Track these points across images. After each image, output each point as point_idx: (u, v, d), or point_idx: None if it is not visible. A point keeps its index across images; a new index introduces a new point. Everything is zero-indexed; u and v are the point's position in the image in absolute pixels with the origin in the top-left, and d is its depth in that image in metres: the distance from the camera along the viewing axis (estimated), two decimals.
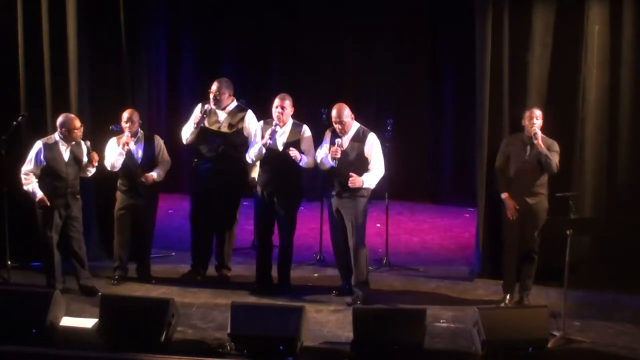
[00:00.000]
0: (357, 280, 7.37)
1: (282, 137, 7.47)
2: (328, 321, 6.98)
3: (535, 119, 7.21)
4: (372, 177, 7.30)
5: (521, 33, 7.86)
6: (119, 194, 7.80)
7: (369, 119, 9.19)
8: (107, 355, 6.24)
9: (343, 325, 6.79)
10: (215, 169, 7.76)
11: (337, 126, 7.30)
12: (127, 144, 7.58)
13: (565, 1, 7.84)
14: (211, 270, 8.09)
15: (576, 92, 7.85)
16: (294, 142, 7.45)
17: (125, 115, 7.63)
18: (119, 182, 7.78)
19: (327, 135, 7.49)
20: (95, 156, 7.50)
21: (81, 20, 8.13)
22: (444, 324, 6.96)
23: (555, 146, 7.28)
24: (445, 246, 9.57)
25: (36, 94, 8.17)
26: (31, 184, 7.34)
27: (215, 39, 11.74)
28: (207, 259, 8.07)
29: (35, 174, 7.35)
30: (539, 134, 7.17)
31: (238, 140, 7.81)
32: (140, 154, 7.72)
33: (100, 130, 7.93)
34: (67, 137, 7.36)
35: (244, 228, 8.89)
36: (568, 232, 6.61)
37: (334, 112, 7.31)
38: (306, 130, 7.54)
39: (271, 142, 7.40)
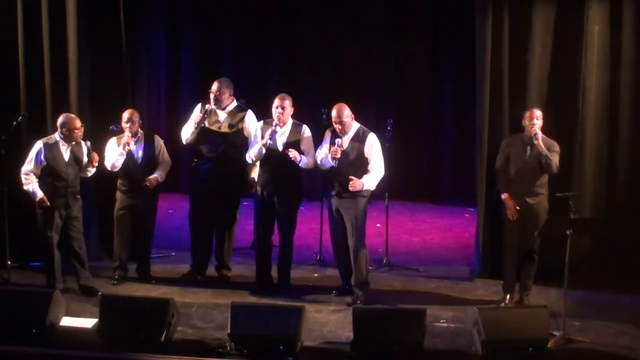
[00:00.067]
0: (357, 280, 7.37)
1: (282, 137, 7.47)
2: (328, 321, 6.98)
3: (536, 120, 7.20)
4: (372, 179, 7.30)
5: (521, 33, 7.86)
6: (119, 194, 7.80)
7: (369, 119, 9.18)
8: (107, 355, 6.24)
9: (343, 325, 6.79)
10: (215, 169, 7.76)
11: (337, 126, 7.30)
12: (128, 144, 7.58)
13: (565, 1, 7.84)
14: (211, 270, 8.09)
15: (576, 92, 7.85)
16: (294, 142, 7.45)
17: (125, 115, 7.63)
18: (119, 182, 7.78)
19: (327, 135, 7.49)
20: (96, 156, 7.50)
21: (81, 20, 8.13)
22: (444, 324, 6.95)
23: (556, 146, 7.27)
24: (445, 246, 9.57)
25: (36, 94, 8.16)
26: (31, 183, 7.34)
27: (215, 39, 11.75)
28: (206, 259, 8.07)
29: (35, 174, 7.35)
30: (540, 134, 7.17)
31: (238, 140, 7.81)
32: (140, 154, 7.72)
33: (100, 130, 7.94)
34: (68, 137, 7.36)
35: (244, 228, 8.89)
36: (568, 232, 6.61)
37: (334, 112, 7.31)
38: (306, 130, 7.54)
39: (271, 142, 7.40)
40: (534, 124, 7.18)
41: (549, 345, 6.34)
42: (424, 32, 11.55)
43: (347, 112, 7.29)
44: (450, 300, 7.62)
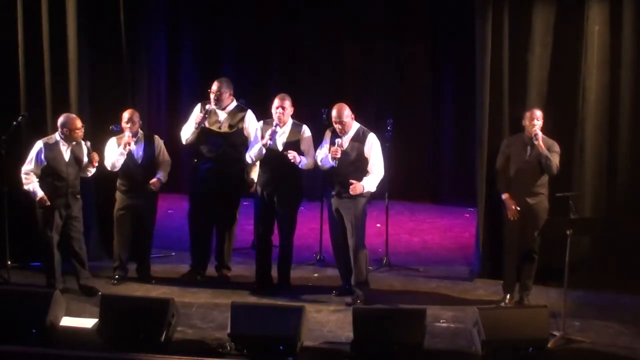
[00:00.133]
0: (357, 280, 7.37)
1: (282, 137, 7.47)
2: (328, 321, 6.98)
3: (536, 120, 7.20)
4: (372, 181, 7.30)
5: (521, 33, 7.86)
6: (118, 194, 7.80)
7: (369, 119, 9.18)
8: (107, 355, 6.24)
9: (343, 325, 6.79)
10: (215, 169, 7.76)
11: (337, 126, 7.30)
12: (129, 144, 7.58)
13: (565, 1, 7.84)
14: (211, 270, 8.09)
15: (576, 92, 7.85)
16: (294, 142, 7.45)
17: (126, 115, 7.63)
18: (119, 182, 7.78)
19: (327, 135, 7.49)
20: (96, 156, 7.50)
21: (81, 20, 8.13)
22: (444, 324, 6.95)
23: (556, 147, 7.27)
24: (445, 246, 9.57)
25: (36, 94, 8.16)
26: (32, 183, 7.34)
27: (215, 39, 11.75)
28: (206, 259, 8.07)
29: (35, 174, 7.35)
30: (540, 134, 7.16)
31: (238, 141, 7.81)
32: (140, 154, 7.72)
33: (100, 130, 7.94)
34: (68, 137, 7.36)
35: (244, 228, 8.89)
36: (568, 232, 6.61)
37: (334, 112, 7.31)
38: (306, 130, 7.54)
39: (271, 142, 7.40)
40: (534, 125, 7.18)
41: (549, 345, 6.34)
42: (424, 32, 11.55)
43: (347, 112, 7.29)
44: (450, 300, 7.62)
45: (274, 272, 7.76)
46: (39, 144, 7.38)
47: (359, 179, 7.24)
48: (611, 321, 7.04)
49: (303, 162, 7.41)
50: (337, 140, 7.25)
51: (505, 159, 7.40)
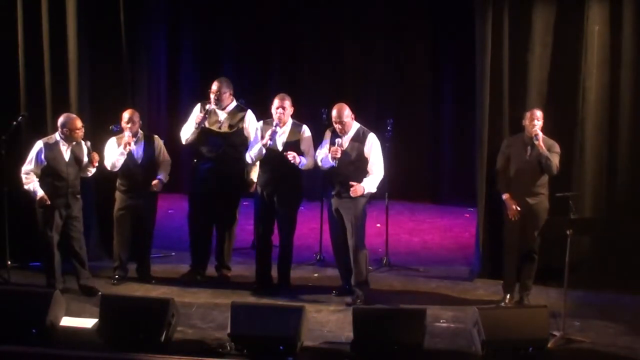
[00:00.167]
0: (357, 280, 7.37)
1: (282, 137, 7.47)
2: (328, 321, 6.98)
3: (536, 120, 7.20)
4: (372, 182, 7.30)
5: (521, 33, 7.86)
6: (118, 194, 7.80)
7: (369, 119, 9.18)
8: (107, 355, 6.24)
9: (343, 325, 6.79)
10: (215, 169, 7.77)
11: (337, 126, 7.30)
12: (129, 143, 7.58)
13: (565, 1, 7.84)
14: (211, 270, 8.09)
15: (576, 92, 7.85)
16: (294, 142, 7.45)
17: (126, 115, 7.63)
18: (118, 182, 7.78)
19: (327, 135, 7.49)
20: (96, 156, 7.50)
21: (81, 20, 8.13)
22: (444, 324, 6.96)
23: (556, 147, 7.27)
24: (445, 246, 9.57)
25: (36, 94, 8.16)
26: (32, 182, 7.34)
27: (215, 39, 11.75)
28: (206, 259, 8.07)
29: (35, 174, 7.35)
30: (540, 135, 7.17)
31: (238, 141, 7.81)
32: (140, 154, 7.72)
33: (100, 130, 7.94)
34: (69, 137, 7.36)
35: (244, 228, 8.89)
36: (568, 232, 6.61)
37: (334, 112, 7.31)
38: (306, 130, 7.54)
39: (271, 142, 7.40)
40: (534, 125, 7.18)
41: (549, 345, 6.34)
42: (424, 32, 11.55)
43: (347, 112, 7.29)
44: (450, 300, 7.62)
45: (274, 272, 7.76)
46: (39, 144, 7.38)
47: (359, 179, 7.24)
48: (611, 321, 7.04)
49: (303, 162, 7.41)
50: (337, 140, 7.25)
51: (506, 159, 7.40)
